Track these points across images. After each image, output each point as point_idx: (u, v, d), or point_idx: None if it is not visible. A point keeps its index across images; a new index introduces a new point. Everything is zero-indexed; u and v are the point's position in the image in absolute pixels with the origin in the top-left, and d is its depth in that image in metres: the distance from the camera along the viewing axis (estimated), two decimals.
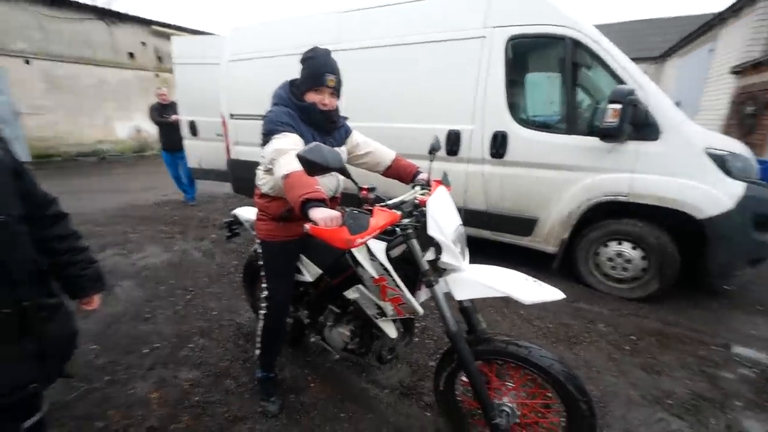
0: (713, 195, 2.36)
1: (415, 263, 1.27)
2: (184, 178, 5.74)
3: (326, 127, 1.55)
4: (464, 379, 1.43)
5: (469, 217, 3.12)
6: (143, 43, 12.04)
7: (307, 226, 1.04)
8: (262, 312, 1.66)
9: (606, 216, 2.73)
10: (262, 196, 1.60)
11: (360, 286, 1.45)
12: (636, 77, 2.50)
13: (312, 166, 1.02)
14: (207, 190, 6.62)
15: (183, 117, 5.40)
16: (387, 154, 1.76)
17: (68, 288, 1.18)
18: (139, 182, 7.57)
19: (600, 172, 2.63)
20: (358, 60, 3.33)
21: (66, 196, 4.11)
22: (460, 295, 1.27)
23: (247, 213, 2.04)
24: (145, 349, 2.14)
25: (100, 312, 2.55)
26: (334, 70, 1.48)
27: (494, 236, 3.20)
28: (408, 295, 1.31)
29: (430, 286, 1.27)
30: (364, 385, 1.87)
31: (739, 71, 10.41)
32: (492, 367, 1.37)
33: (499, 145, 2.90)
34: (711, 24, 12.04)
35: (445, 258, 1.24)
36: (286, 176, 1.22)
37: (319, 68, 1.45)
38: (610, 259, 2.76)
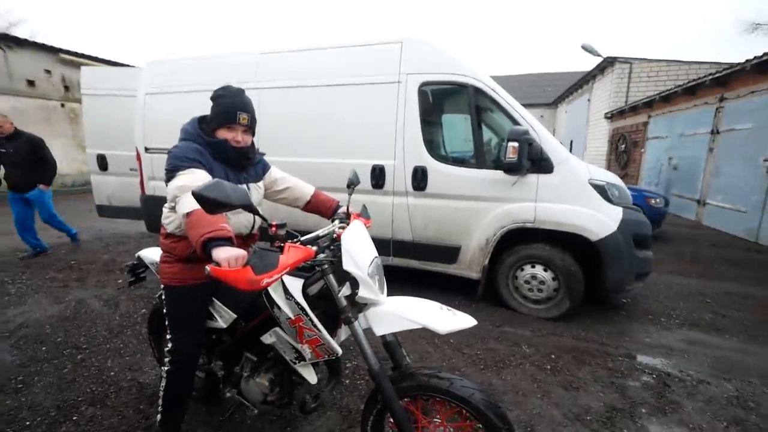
0: (600, 219, 2.74)
1: (333, 300, 1.25)
2: (30, 226, 4.46)
3: (241, 163, 1.51)
4: (392, 420, 1.39)
5: (398, 247, 3.27)
6: (47, 71, 10.85)
7: (209, 267, 0.97)
8: (165, 368, 1.47)
9: (518, 242, 3.00)
10: (168, 236, 1.48)
11: (277, 329, 1.37)
12: (528, 119, 2.90)
13: (211, 204, 0.95)
14: (118, 230, 5.91)
15: (90, 150, 4.87)
16: (306, 189, 1.76)
17: None
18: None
19: (509, 202, 2.92)
20: (277, 97, 3.43)
21: None
22: (380, 329, 1.26)
23: (154, 254, 1.85)
24: (10, 431, 1.73)
25: None
26: (247, 108, 1.46)
27: (422, 266, 3.31)
28: (325, 334, 1.26)
29: (349, 323, 1.24)
30: None
31: (609, 117, 12.94)
32: (418, 403, 1.35)
33: (420, 178, 3.10)
34: (586, 79, 15.04)
35: (363, 293, 1.23)
36: (188, 214, 1.15)
37: (231, 106, 1.43)
38: (527, 282, 3.01)
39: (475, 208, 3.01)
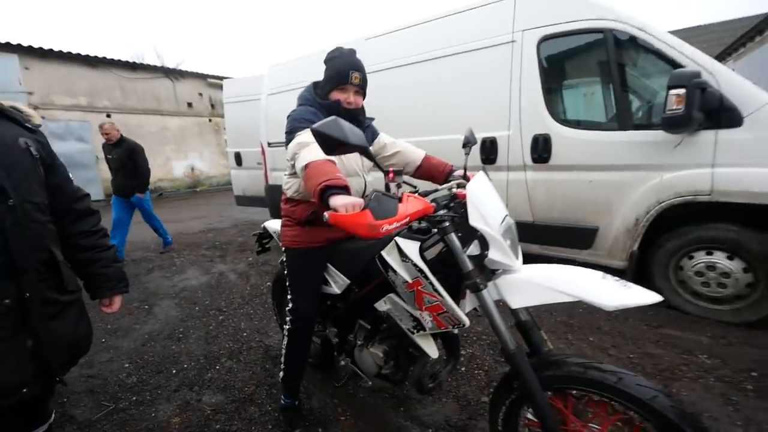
0: None
1: (455, 265, 1.05)
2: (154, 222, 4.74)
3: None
4: (530, 416, 1.13)
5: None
6: (200, 94, 13.43)
7: (327, 214, 0.89)
8: (287, 327, 1.50)
9: (683, 221, 2.30)
10: (288, 201, 1.52)
11: (392, 295, 1.25)
12: (699, 60, 2.17)
13: (328, 141, 0.88)
14: (249, 217, 6.85)
15: (229, 149, 5.74)
16: (417, 153, 1.62)
17: (88, 286, 1.13)
18: (189, 213, 8.06)
19: (669, 170, 2.25)
20: (385, 80, 3.35)
21: None
22: (516, 301, 1.01)
23: (276, 225, 1.96)
24: (174, 370, 2.05)
25: (138, 330, 2.56)
26: (359, 67, 1.42)
27: (544, 251, 2.84)
28: (449, 300, 1.08)
29: (476, 290, 1.03)
30: (402, 422, 1.59)
31: None
32: (567, 400, 1.05)
33: (541, 148, 2.65)
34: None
35: (493, 254, 1.01)
36: (306, 166, 1.12)
37: (343, 66, 1.41)
38: (700, 274, 2.28)
39: (619, 179, 2.42)
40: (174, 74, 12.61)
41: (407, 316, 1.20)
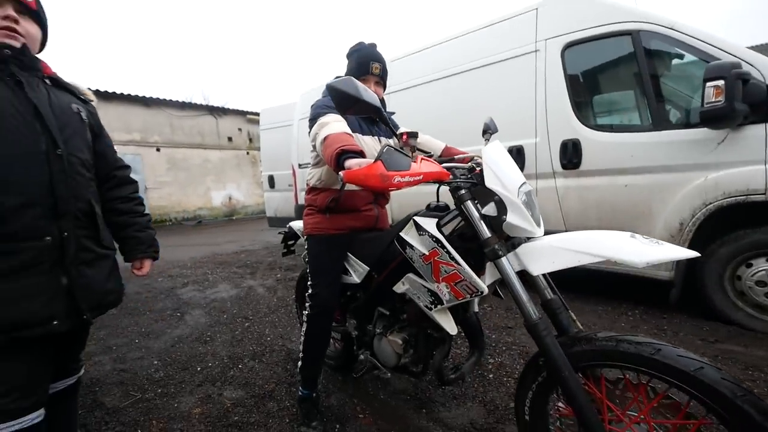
0: None
1: (474, 237, 1.03)
2: None
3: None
4: (561, 405, 1.03)
5: None
6: (240, 129, 14.49)
7: (342, 173, 0.92)
8: (306, 313, 1.50)
9: (738, 225, 2.11)
10: (311, 190, 1.57)
11: (410, 275, 1.22)
12: (736, 52, 2.08)
13: (343, 97, 0.93)
14: (279, 239, 7.04)
15: (264, 172, 6.07)
16: (437, 144, 1.65)
17: (123, 249, 1.21)
18: (225, 238, 8.42)
19: (713, 169, 2.10)
20: (410, 97, 3.50)
21: (167, 249, 4.71)
22: (538, 267, 0.95)
23: (300, 225, 2.01)
24: (199, 367, 2.07)
25: (169, 333, 2.63)
26: (379, 58, 1.50)
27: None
28: (466, 268, 1.03)
29: (495, 257, 0.98)
30: (424, 423, 1.49)
31: None
32: (601, 385, 0.95)
33: (570, 154, 2.58)
34: None
35: (512, 218, 0.97)
36: (325, 138, 1.17)
37: (364, 57, 1.49)
38: (762, 283, 2.04)
39: (658, 182, 2.29)
40: (217, 112, 13.77)
41: (425, 291, 1.16)
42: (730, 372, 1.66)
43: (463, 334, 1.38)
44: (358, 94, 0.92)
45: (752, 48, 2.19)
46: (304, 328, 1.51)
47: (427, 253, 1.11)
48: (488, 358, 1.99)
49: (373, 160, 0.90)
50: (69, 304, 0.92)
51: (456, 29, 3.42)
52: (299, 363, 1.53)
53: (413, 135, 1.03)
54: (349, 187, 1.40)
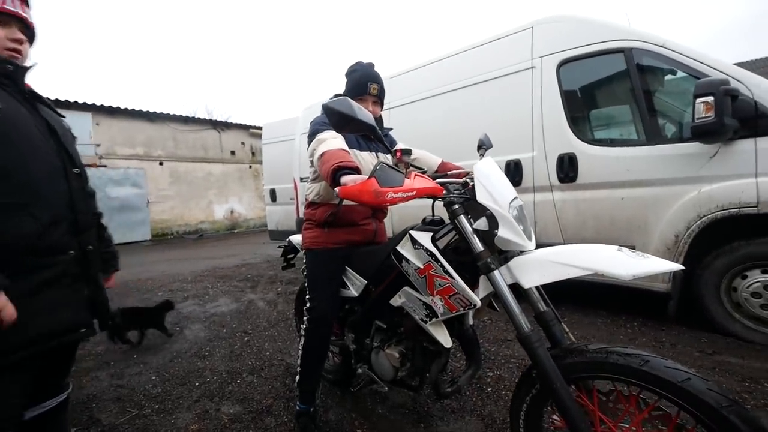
0: None
1: (468, 251, 1.05)
2: None
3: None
4: (556, 418, 1.03)
5: None
6: (242, 143, 14.68)
7: (338, 189, 0.95)
8: (304, 326, 1.51)
9: (732, 236, 2.13)
10: (309, 205, 1.60)
11: (406, 288, 1.24)
12: (727, 70, 2.14)
13: (338, 117, 0.97)
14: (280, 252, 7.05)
15: (266, 186, 6.13)
16: (433, 159, 1.69)
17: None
18: (226, 251, 8.44)
19: (706, 182, 2.14)
20: (409, 113, 3.59)
21: (168, 263, 4.73)
22: (529, 280, 0.98)
23: (299, 238, 2.04)
24: (197, 383, 2.07)
25: (168, 348, 2.63)
26: (377, 79, 1.54)
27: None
28: (459, 281, 1.06)
29: (487, 270, 1.01)
30: None
31: None
32: (593, 397, 0.96)
33: (567, 168, 2.63)
34: None
35: (503, 232, 1.00)
36: (322, 154, 1.21)
37: (362, 77, 1.53)
38: (757, 295, 2.05)
39: (653, 195, 2.33)
40: (220, 126, 13.98)
41: (420, 305, 1.18)
42: (726, 384, 1.66)
43: (460, 347, 1.39)
44: (352, 113, 0.96)
45: (739, 64, 2.25)
46: (302, 342, 1.52)
47: (422, 267, 1.14)
48: (487, 371, 1.98)
49: (367, 177, 0.93)
50: (90, 313, 0.97)
51: (454, 47, 3.51)
52: (297, 377, 1.54)
53: (407, 152, 1.07)
54: (348, 201, 1.44)
